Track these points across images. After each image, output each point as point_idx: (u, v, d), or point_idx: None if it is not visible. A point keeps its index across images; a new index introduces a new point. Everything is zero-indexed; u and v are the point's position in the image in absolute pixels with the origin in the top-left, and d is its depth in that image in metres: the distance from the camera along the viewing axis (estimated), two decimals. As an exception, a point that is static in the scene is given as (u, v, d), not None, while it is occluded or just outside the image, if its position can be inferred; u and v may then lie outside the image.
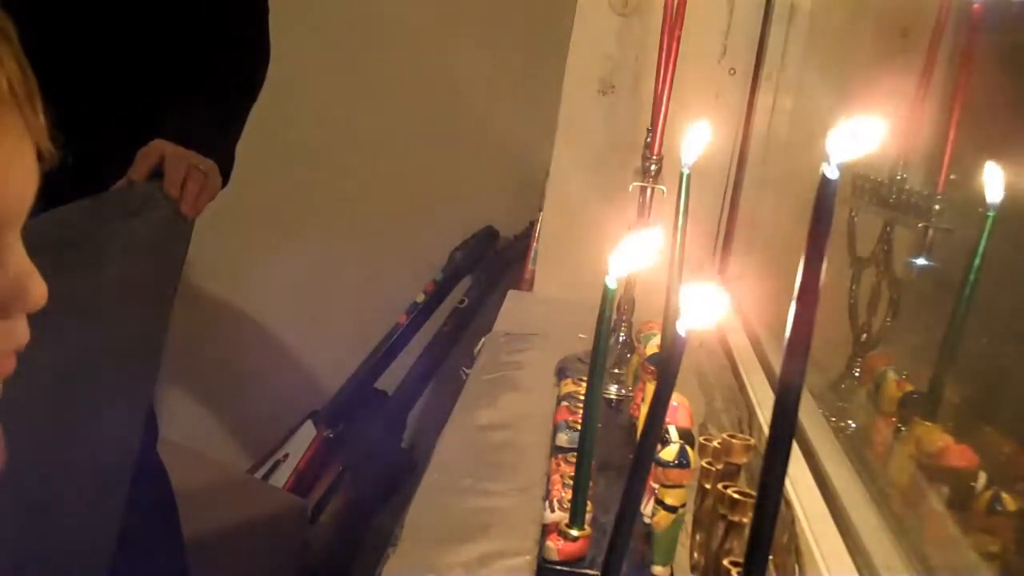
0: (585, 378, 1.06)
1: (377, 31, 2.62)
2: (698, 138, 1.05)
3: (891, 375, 1.07)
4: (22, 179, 0.52)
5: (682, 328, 0.46)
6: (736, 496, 0.84)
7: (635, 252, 0.70)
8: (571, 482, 0.93)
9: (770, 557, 0.82)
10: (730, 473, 0.92)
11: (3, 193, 0.51)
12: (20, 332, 0.56)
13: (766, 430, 0.64)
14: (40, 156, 0.53)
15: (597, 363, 0.85)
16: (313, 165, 2.69)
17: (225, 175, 1.47)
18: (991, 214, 0.88)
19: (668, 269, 1.05)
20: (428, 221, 2.64)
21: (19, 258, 0.55)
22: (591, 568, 0.90)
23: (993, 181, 0.88)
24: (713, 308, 0.45)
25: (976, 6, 1.06)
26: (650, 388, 1.15)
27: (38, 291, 0.55)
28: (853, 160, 0.38)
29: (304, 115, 2.63)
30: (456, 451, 1.19)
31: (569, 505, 0.92)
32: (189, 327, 2.10)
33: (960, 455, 0.89)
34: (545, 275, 1.88)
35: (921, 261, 1.12)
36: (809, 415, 1.09)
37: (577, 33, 1.81)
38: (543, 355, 1.52)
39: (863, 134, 0.38)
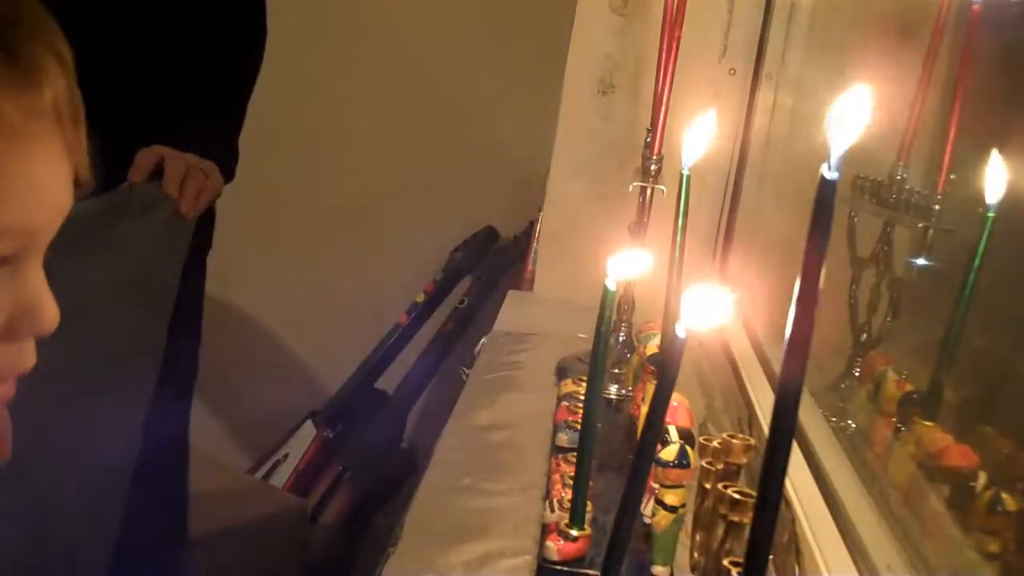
0: (585, 378, 1.06)
1: (377, 31, 2.62)
2: (702, 131, 1.03)
3: (891, 375, 1.06)
4: (54, 198, 0.51)
5: (682, 329, 0.46)
6: (736, 496, 0.85)
7: (628, 266, 0.70)
8: (571, 482, 0.93)
9: (770, 557, 0.82)
10: (730, 473, 0.92)
11: (34, 208, 0.50)
12: (26, 356, 0.54)
13: (766, 430, 0.64)
14: (77, 183, 0.52)
15: (597, 363, 0.85)
16: (313, 165, 2.69)
17: (230, 170, 1.47)
18: (991, 214, 0.88)
19: (668, 269, 1.05)
20: (428, 221, 2.64)
21: (37, 280, 0.53)
22: (591, 568, 0.90)
23: (993, 181, 0.88)
24: (718, 309, 0.45)
25: (976, 6, 1.06)
26: (650, 388, 1.15)
27: (50, 316, 0.54)
28: (850, 146, 0.38)
29: (304, 115, 2.63)
30: (456, 451, 1.18)
31: (569, 505, 0.92)
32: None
33: (960, 455, 0.89)
34: (545, 275, 1.88)
35: (921, 261, 1.12)
36: (809, 415, 1.09)
37: (577, 33, 1.80)
38: (543, 355, 1.52)
39: (855, 110, 0.38)
